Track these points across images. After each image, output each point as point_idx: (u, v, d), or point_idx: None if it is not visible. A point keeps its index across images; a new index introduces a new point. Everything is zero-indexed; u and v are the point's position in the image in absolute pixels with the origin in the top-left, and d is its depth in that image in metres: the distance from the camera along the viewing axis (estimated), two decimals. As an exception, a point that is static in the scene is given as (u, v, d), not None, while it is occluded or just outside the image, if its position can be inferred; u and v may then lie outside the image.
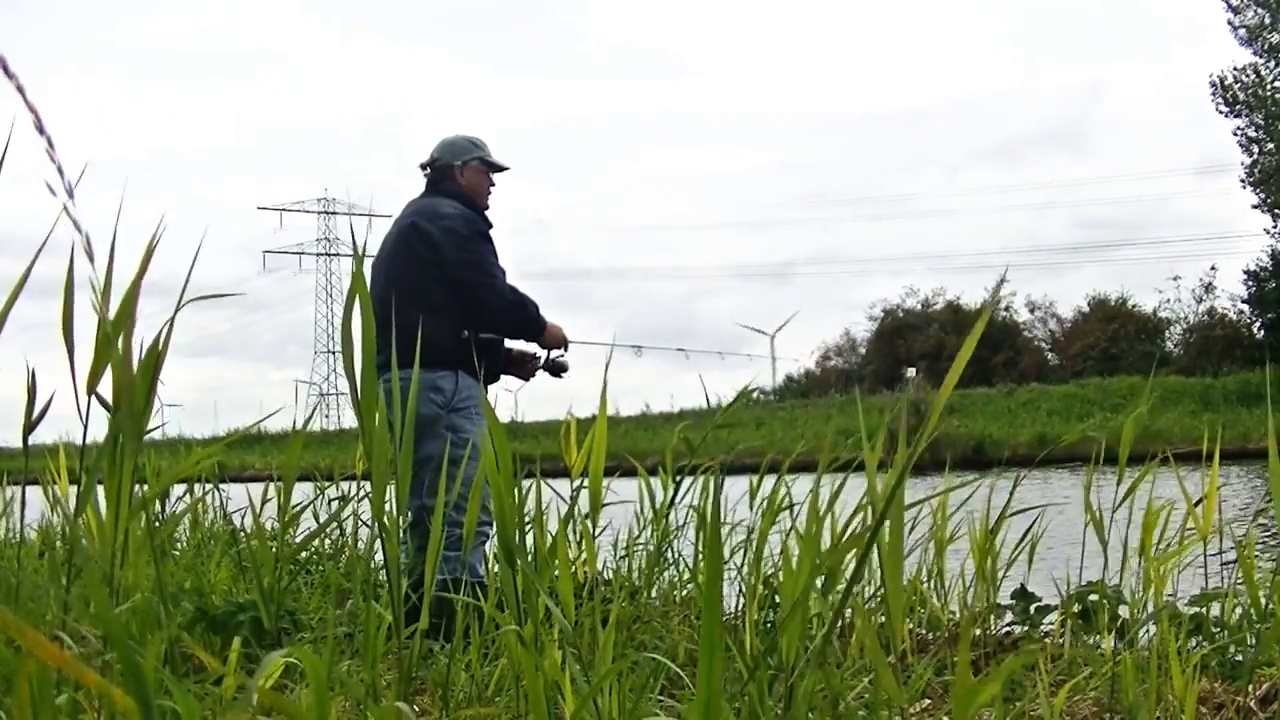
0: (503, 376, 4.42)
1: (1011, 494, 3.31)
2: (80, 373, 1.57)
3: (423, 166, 4.46)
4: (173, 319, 1.60)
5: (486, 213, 4.39)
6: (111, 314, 1.55)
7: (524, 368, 4.48)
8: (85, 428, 1.58)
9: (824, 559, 1.51)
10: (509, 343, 4.42)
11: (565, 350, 4.44)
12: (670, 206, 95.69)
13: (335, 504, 5.06)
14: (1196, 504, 2.76)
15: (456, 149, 4.40)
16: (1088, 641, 3.28)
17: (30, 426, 1.76)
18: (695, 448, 3.48)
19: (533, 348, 4.46)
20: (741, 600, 3.49)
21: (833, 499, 2.41)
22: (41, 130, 1.43)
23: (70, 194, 1.45)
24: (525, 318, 4.25)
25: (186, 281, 1.67)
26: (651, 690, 2.29)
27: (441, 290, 4.11)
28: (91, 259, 1.51)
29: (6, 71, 1.39)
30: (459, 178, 4.37)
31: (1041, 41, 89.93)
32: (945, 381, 1.21)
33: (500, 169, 4.46)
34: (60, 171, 1.45)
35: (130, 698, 0.93)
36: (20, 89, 1.39)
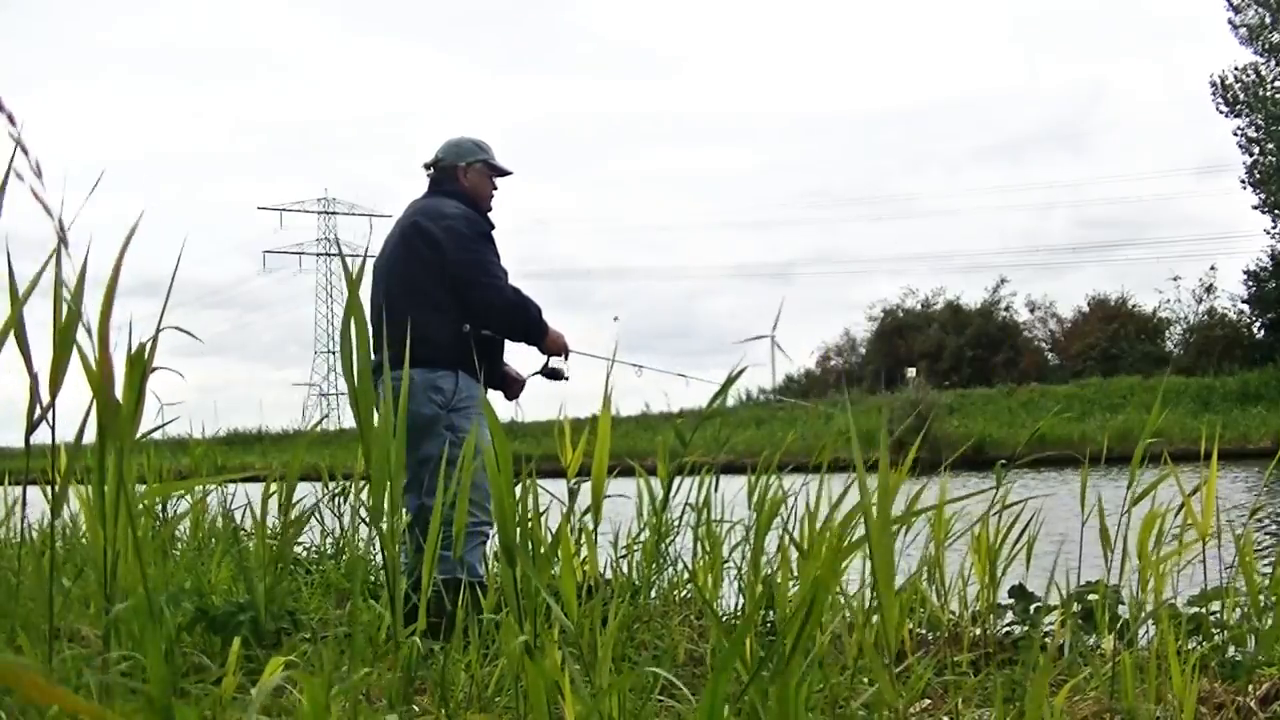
0: (490, 391, 4.42)
1: (998, 489, 3.31)
2: (50, 376, 1.56)
3: (426, 166, 4.46)
4: (157, 331, 1.59)
5: (488, 214, 4.40)
6: (95, 315, 1.54)
7: (511, 388, 4.48)
8: (53, 428, 1.58)
9: (822, 567, 1.51)
10: (507, 357, 4.42)
11: (566, 358, 4.43)
12: (670, 206, 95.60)
13: (334, 501, 5.06)
14: (1192, 493, 2.76)
15: (462, 150, 4.41)
16: (1087, 642, 3.28)
17: (31, 427, 1.76)
18: (687, 442, 3.48)
19: (524, 370, 4.47)
20: (741, 599, 3.49)
21: (836, 504, 2.41)
22: (16, 137, 1.42)
23: (39, 174, 1.45)
24: (527, 319, 4.25)
25: (172, 282, 1.67)
26: (652, 691, 2.29)
27: (443, 290, 4.11)
28: (65, 244, 1.50)
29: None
30: (462, 179, 4.38)
31: (1042, 41, 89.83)
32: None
33: (504, 173, 4.47)
34: (23, 153, 1.44)
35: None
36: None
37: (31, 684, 0.77)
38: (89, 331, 1.55)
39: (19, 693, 0.78)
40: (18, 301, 1.57)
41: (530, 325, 4.27)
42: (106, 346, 1.51)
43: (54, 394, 1.55)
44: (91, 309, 1.57)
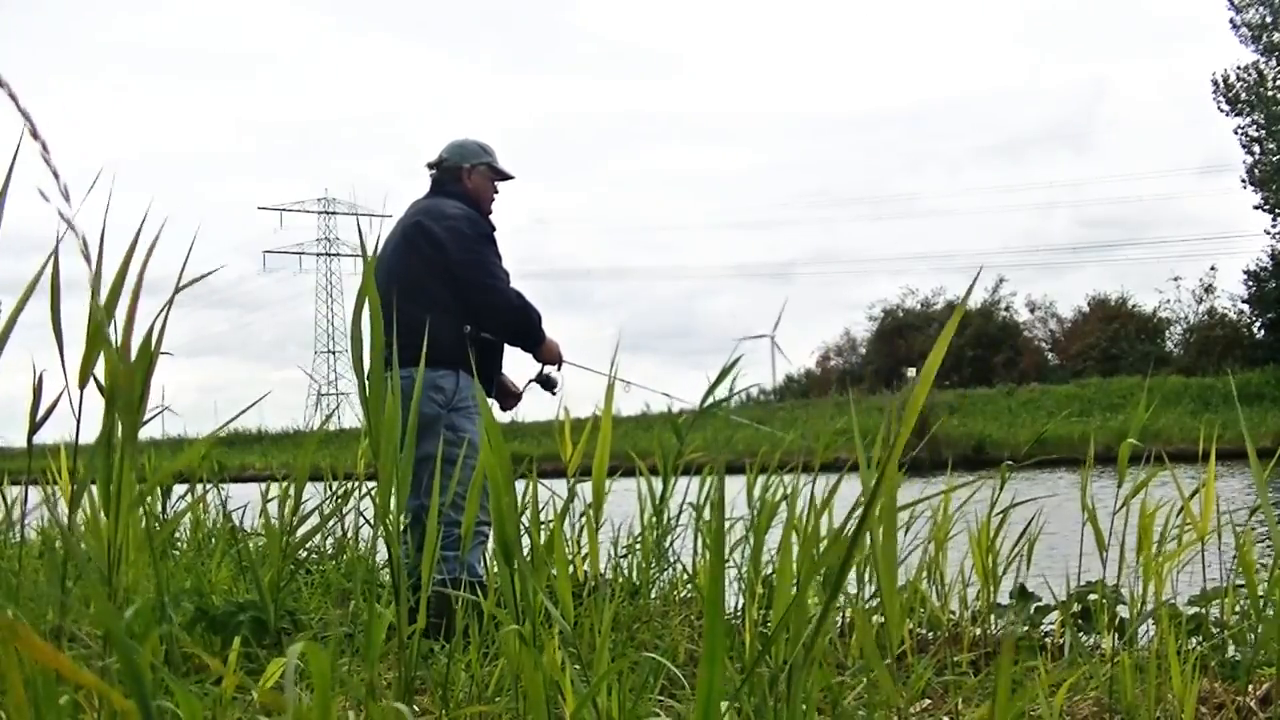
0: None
1: (1001, 487, 3.32)
2: (72, 368, 1.57)
3: (430, 165, 4.48)
4: (167, 308, 1.59)
5: (489, 217, 4.41)
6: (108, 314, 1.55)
7: (506, 400, 4.50)
8: (78, 421, 1.58)
9: (819, 559, 1.51)
10: (505, 367, 4.44)
11: (559, 368, 4.45)
12: (670, 206, 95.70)
13: (337, 502, 5.06)
14: (1192, 495, 2.76)
15: (467, 151, 4.43)
16: (1087, 642, 3.28)
17: (35, 426, 1.75)
18: (684, 438, 3.48)
19: (519, 381, 4.49)
20: (741, 599, 3.48)
21: (829, 497, 2.40)
22: (36, 135, 1.43)
23: (66, 197, 1.45)
24: (527, 324, 4.26)
25: (181, 274, 1.67)
26: (651, 690, 2.29)
27: (444, 290, 4.13)
28: (89, 260, 1.51)
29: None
30: (466, 180, 4.40)
31: (1044, 40, 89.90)
32: (919, 384, 1.21)
33: (506, 177, 4.49)
34: (55, 175, 1.45)
35: (130, 698, 0.93)
36: (12, 95, 1.40)
37: (34, 647, 0.77)
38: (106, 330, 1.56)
39: (21, 655, 0.79)
40: (58, 302, 1.57)
41: (530, 330, 4.28)
42: (130, 339, 1.52)
43: (83, 384, 1.55)
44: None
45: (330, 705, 1.08)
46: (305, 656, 1.14)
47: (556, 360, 4.43)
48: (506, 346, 4.38)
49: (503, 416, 4.63)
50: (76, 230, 1.48)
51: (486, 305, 4.14)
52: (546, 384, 4.46)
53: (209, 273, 1.87)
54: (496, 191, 4.49)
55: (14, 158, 1.50)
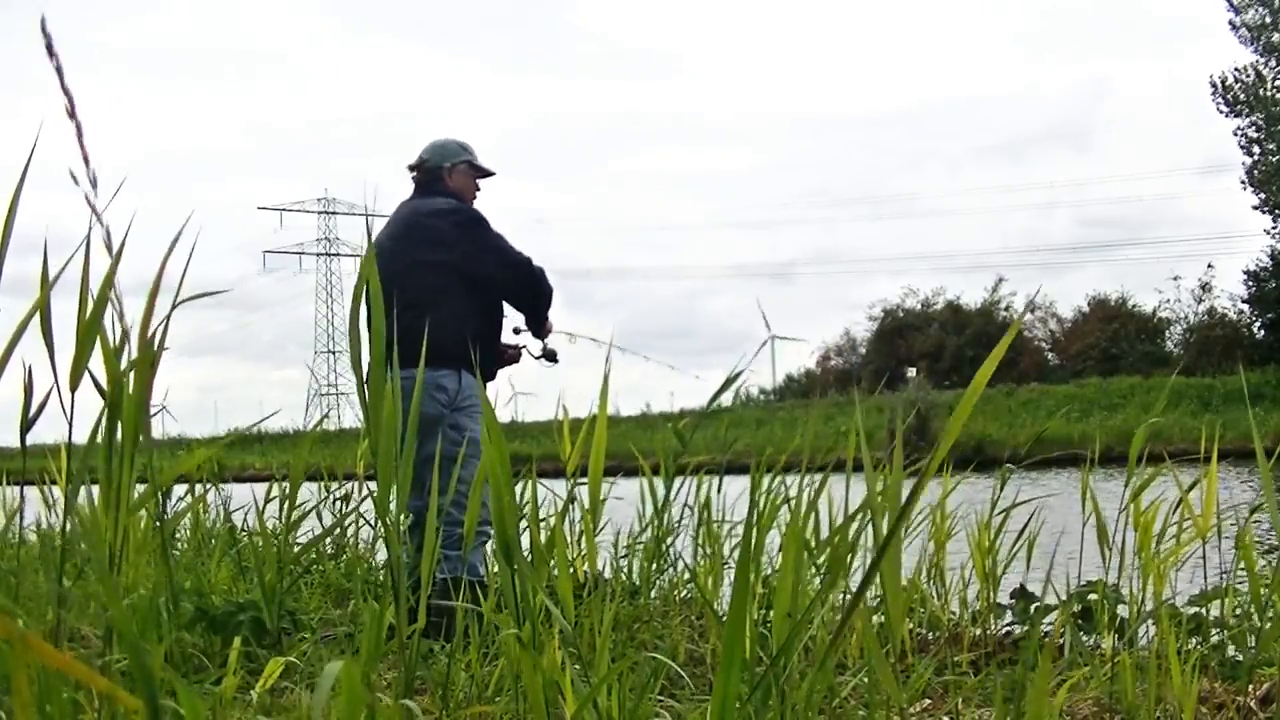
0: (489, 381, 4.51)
1: (1001, 487, 3.32)
2: (71, 371, 1.56)
3: (411, 168, 4.52)
4: (168, 317, 1.59)
5: None
6: (132, 315, 1.55)
7: (504, 359, 4.59)
8: (70, 425, 1.58)
9: (823, 559, 1.51)
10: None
11: (548, 338, 4.57)
12: (670, 206, 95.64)
13: (338, 504, 5.06)
14: (1190, 489, 2.76)
15: (446, 151, 4.47)
16: (1087, 641, 3.28)
17: (27, 426, 1.75)
18: (686, 440, 3.48)
19: (514, 339, 4.58)
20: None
21: (817, 494, 2.40)
22: (73, 115, 1.42)
23: (94, 184, 1.45)
24: (549, 293, 4.44)
25: (182, 279, 1.68)
26: (652, 690, 2.29)
27: (445, 289, 4.14)
28: (110, 250, 1.51)
29: (50, 50, 1.39)
30: (448, 179, 4.44)
31: (1044, 40, 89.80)
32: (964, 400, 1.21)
33: (487, 174, 4.54)
34: (86, 160, 1.45)
35: (137, 698, 0.93)
36: (59, 70, 1.40)
37: (47, 654, 0.77)
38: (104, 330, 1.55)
39: (26, 657, 0.79)
40: (48, 303, 1.56)
41: (549, 295, 4.44)
42: (148, 342, 1.52)
43: (74, 386, 1.55)
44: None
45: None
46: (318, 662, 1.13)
47: (550, 331, 4.55)
48: (500, 340, 4.45)
49: (503, 416, 4.67)
50: (103, 220, 1.48)
51: (530, 283, 4.33)
52: (552, 357, 4.59)
53: (224, 290, 1.88)
54: (478, 189, 4.54)
55: (28, 158, 1.50)
